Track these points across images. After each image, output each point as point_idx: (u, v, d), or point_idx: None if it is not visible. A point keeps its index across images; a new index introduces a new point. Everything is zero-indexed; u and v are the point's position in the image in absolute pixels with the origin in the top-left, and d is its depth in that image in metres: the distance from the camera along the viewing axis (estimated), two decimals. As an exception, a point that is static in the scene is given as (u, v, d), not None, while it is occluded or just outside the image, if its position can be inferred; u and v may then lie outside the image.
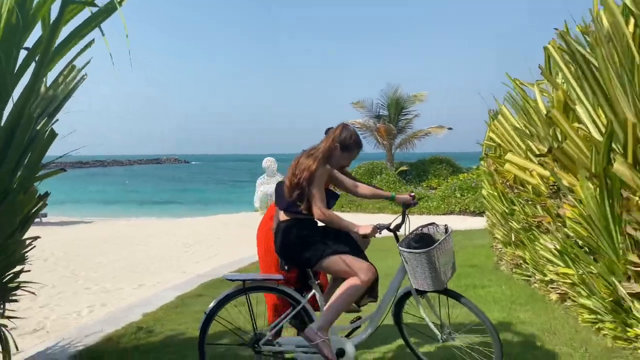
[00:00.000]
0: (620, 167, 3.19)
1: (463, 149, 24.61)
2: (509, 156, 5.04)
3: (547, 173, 4.46)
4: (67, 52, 2.77)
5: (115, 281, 7.29)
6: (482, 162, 6.88)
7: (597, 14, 3.80)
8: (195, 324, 4.56)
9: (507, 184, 5.51)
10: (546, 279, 4.94)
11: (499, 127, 5.48)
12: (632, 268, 3.33)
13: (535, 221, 4.95)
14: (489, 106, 6.39)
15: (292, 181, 3.04)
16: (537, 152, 4.42)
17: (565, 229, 4.14)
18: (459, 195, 16.56)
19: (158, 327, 4.53)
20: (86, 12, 2.76)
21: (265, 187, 16.99)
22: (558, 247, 4.49)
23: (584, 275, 3.95)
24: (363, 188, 3.38)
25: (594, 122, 3.76)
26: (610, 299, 3.60)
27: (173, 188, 43.05)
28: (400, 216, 3.19)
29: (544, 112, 4.55)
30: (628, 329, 3.47)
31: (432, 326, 3.16)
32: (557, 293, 4.83)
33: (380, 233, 3.05)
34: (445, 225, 3.12)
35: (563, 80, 4.26)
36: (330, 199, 3.17)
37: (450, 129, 22.98)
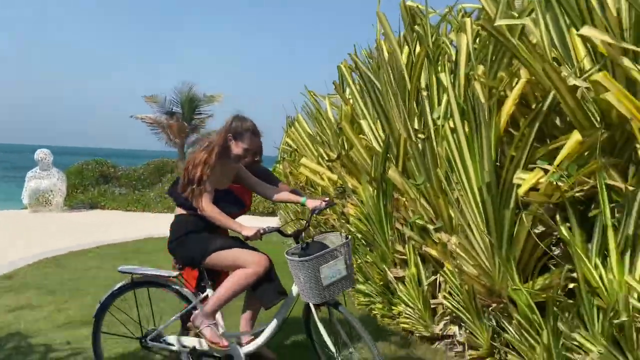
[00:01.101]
0: (393, 174, 3.86)
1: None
2: (303, 160, 5.57)
3: (335, 176, 5.08)
4: None
5: None
6: (278, 165, 7.39)
7: (379, 42, 4.50)
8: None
9: (301, 185, 6.06)
10: (329, 270, 5.59)
11: (295, 134, 6.00)
12: (398, 256, 4.05)
13: (322, 218, 5.57)
14: (287, 113, 6.92)
15: (185, 176, 2.90)
16: (328, 158, 5.00)
17: (348, 225, 4.78)
18: (249, 196, 17.13)
19: None
20: None
21: (37, 181, 15.08)
22: (341, 241, 5.13)
23: (361, 264, 4.62)
24: (273, 191, 3.20)
25: (374, 134, 4.44)
26: (381, 283, 4.29)
27: None
28: (305, 221, 3.12)
29: (334, 122, 5.17)
30: (393, 308, 4.18)
31: (328, 342, 2.83)
32: (338, 282, 5.49)
33: (261, 238, 2.84)
34: (347, 235, 2.97)
35: (350, 96, 4.91)
36: (232, 206, 3.05)
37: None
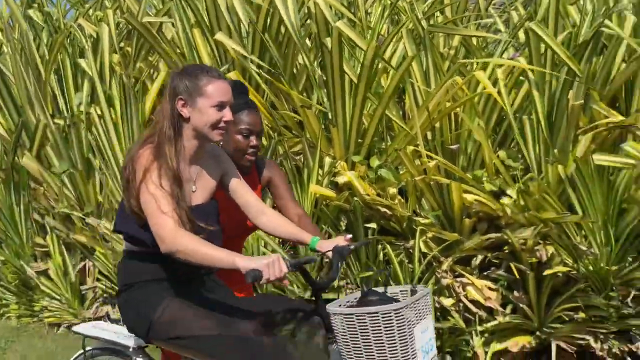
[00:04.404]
0: (28, 161, 3.66)
1: None
2: None
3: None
4: None
5: None
6: None
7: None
8: None
9: None
10: None
11: None
12: (39, 249, 3.85)
13: None
14: None
15: (126, 189, 1.63)
16: None
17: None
18: None
19: None
20: None
21: None
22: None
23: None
24: (269, 217, 1.77)
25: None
26: (17, 281, 3.97)
27: None
28: (330, 265, 1.77)
29: None
30: (34, 304, 3.94)
31: None
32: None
33: (285, 278, 1.50)
34: (416, 285, 1.81)
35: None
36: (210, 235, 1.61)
37: None
